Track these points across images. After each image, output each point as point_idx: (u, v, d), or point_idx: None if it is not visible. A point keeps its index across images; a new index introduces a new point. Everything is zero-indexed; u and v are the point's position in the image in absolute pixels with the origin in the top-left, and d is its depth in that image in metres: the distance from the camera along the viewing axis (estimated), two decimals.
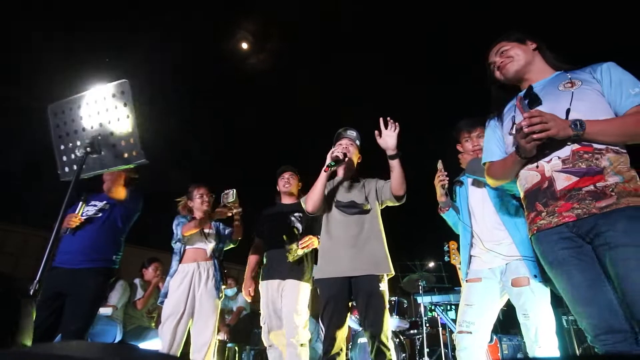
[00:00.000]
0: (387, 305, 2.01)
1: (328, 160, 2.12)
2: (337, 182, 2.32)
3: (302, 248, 2.47)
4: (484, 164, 1.63)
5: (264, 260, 2.75)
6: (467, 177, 2.12)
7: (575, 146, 1.29)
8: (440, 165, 2.13)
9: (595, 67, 1.42)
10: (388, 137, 2.03)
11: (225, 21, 5.30)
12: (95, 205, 2.58)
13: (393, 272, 2.10)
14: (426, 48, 5.69)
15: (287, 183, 2.85)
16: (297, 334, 2.38)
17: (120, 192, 2.63)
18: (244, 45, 5.77)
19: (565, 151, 1.30)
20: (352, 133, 2.37)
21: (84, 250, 2.43)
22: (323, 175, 2.14)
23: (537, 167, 1.37)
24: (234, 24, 5.44)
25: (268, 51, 5.89)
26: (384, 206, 2.27)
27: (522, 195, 1.46)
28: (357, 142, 2.37)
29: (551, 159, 1.33)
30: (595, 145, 1.28)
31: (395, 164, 2.06)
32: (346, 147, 2.27)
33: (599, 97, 1.35)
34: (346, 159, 2.18)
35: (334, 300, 2.04)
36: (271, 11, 5.20)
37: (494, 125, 1.64)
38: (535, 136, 1.26)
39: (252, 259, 2.90)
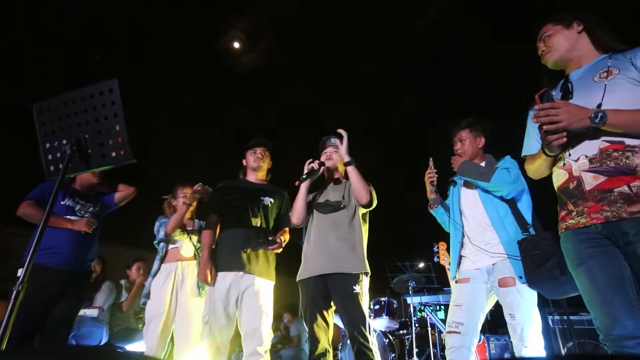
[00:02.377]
0: (365, 305, 1.96)
1: (305, 172, 2.17)
2: (322, 187, 2.35)
3: (270, 248, 2.28)
4: (524, 157, 1.59)
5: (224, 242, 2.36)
6: (459, 178, 2.15)
7: (604, 144, 1.22)
8: (431, 162, 2.16)
9: (636, 51, 1.29)
10: (339, 149, 2.14)
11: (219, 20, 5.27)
12: (84, 206, 2.54)
13: (369, 271, 2.07)
14: (425, 47, 5.71)
15: (258, 159, 2.50)
16: (263, 339, 2.15)
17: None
18: (236, 45, 5.74)
19: (593, 149, 1.24)
20: (336, 141, 2.33)
21: (82, 253, 2.42)
22: (302, 190, 2.19)
23: (565, 165, 1.33)
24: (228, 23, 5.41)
25: (260, 51, 5.86)
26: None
27: (555, 191, 1.42)
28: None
29: (578, 158, 1.28)
30: (628, 142, 1.19)
31: (349, 172, 2.11)
32: (329, 155, 2.31)
33: (635, 87, 1.23)
34: (322, 168, 2.22)
35: (312, 301, 2.04)
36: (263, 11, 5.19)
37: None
38: (545, 128, 1.22)
39: (207, 234, 2.40)
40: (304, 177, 2.15)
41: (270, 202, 2.46)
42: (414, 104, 6.52)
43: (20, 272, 2.25)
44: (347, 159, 2.13)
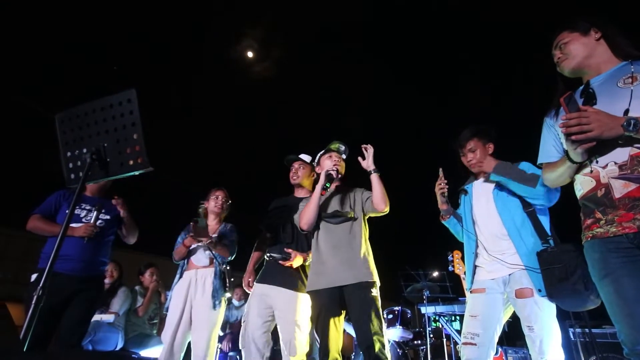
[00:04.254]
0: (380, 312, 1.98)
1: (322, 179, 2.17)
2: (328, 197, 2.34)
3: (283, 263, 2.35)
4: (540, 165, 1.56)
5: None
6: (471, 186, 2.11)
7: (635, 150, 1.19)
8: (441, 172, 2.12)
9: None
10: (365, 161, 2.15)
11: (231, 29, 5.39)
12: (90, 212, 2.55)
13: (378, 282, 2.09)
14: (430, 55, 5.73)
15: (294, 174, 2.64)
16: (297, 351, 2.27)
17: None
18: (249, 54, 5.85)
19: (623, 156, 1.21)
20: (341, 147, 2.43)
21: (91, 258, 2.44)
22: (317, 196, 2.18)
23: (592, 172, 1.29)
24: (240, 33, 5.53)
25: (271, 59, 5.96)
26: (368, 216, 2.30)
27: (578, 199, 1.39)
28: (344, 156, 2.43)
29: (607, 165, 1.24)
30: None
31: (372, 179, 2.12)
32: (338, 161, 2.35)
33: None
34: (339, 175, 2.25)
35: (326, 311, 2.03)
36: (273, 20, 5.29)
37: (550, 123, 1.51)
38: (574, 138, 1.19)
39: (256, 254, 2.76)
40: (327, 185, 2.17)
41: None
42: (428, 112, 6.50)
43: (34, 277, 2.33)
44: (372, 167, 2.14)
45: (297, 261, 2.33)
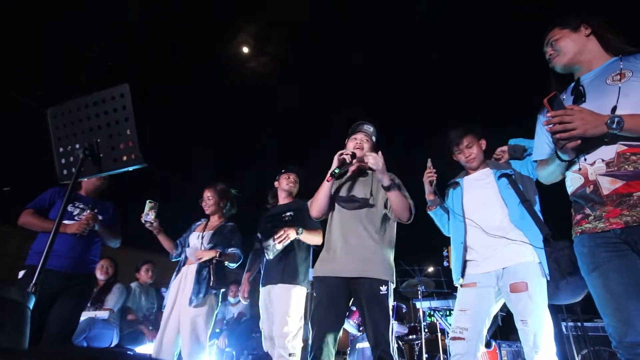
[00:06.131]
0: (390, 311, 1.82)
1: (334, 164, 1.93)
2: (347, 178, 2.17)
3: (279, 242, 2.38)
4: (535, 161, 1.58)
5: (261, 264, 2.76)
6: (461, 180, 2.12)
7: (622, 147, 1.20)
8: (429, 162, 2.08)
9: None
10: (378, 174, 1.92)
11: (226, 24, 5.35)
12: (83, 210, 2.55)
13: (394, 282, 1.93)
14: (430, 50, 5.72)
15: (291, 183, 2.86)
16: (285, 342, 2.33)
17: None
18: (245, 49, 5.81)
19: (610, 153, 1.22)
20: (369, 128, 2.17)
21: (81, 255, 2.43)
22: (326, 183, 2.00)
23: (580, 169, 1.30)
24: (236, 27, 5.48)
25: (269, 54, 5.92)
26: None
27: (569, 195, 1.40)
28: (374, 138, 2.18)
29: (594, 162, 1.25)
30: None
31: (390, 195, 1.92)
32: (360, 143, 2.09)
33: None
34: (354, 160, 1.99)
35: (327, 301, 1.87)
36: (273, 13, 5.25)
37: (543, 120, 1.49)
38: (558, 136, 1.21)
39: (251, 263, 2.94)
40: (336, 171, 1.90)
41: (290, 216, 2.67)
42: (421, 107, 6.52)
43: (21, 274, 2.31)
44: (386, 182, 1.90)
45: (292, 234, 2.42)
